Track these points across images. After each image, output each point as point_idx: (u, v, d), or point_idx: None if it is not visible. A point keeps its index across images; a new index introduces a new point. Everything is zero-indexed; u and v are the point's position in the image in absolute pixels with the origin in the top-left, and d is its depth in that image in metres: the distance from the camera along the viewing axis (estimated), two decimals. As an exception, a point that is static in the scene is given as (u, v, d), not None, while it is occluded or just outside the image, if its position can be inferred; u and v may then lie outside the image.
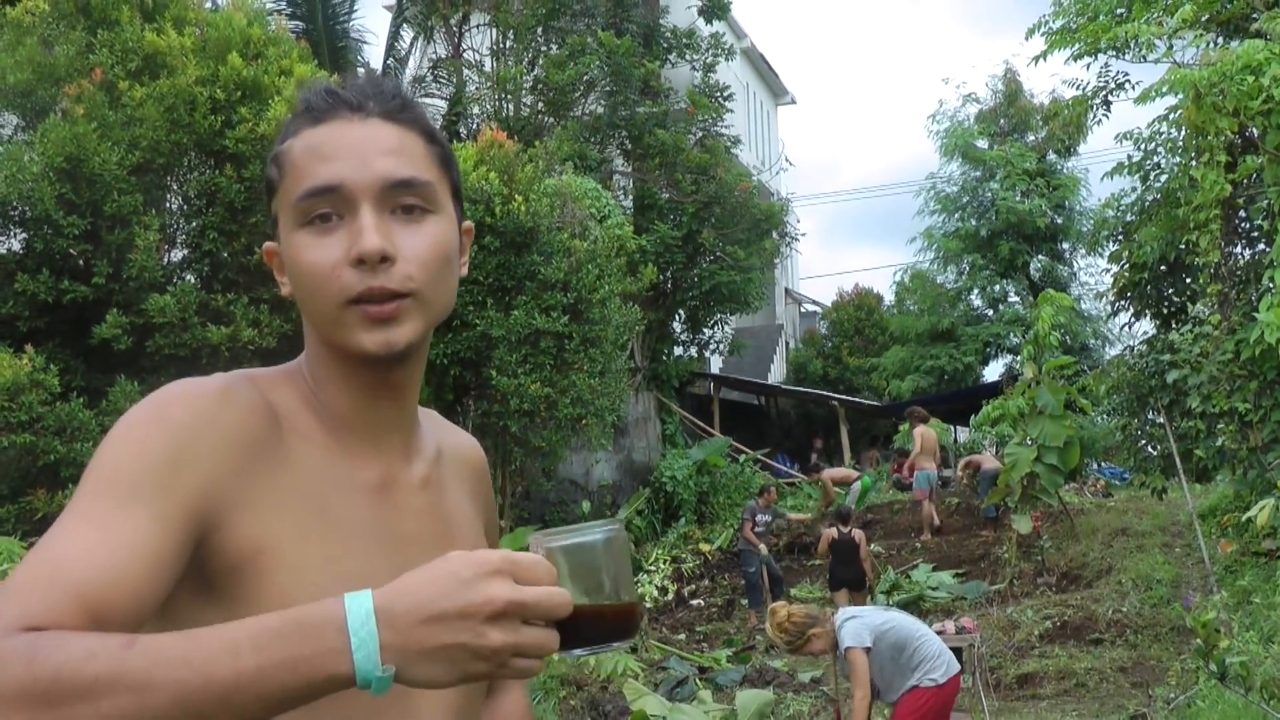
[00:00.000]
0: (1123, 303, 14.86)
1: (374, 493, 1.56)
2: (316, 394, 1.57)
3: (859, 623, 7.86)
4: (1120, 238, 14.58)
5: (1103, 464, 26.93)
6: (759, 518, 17.32)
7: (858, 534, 15.52)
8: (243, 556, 1.41)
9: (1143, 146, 14.03)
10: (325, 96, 1.58)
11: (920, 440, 20.11)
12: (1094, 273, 36.95)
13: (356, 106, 1.57)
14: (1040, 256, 34.64)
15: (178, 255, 13.15)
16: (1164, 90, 13.56)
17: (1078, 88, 15.19)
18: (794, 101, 43.49)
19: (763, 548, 16.98)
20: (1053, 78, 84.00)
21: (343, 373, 1.56)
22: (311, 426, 1.54)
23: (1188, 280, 14.37)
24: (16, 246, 12.81)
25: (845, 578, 15.28)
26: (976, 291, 35.20)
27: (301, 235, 1.54)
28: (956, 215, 34.91)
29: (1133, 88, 14.45)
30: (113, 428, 1.42)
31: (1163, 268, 13.81)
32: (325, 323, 1.54)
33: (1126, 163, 14.09)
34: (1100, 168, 50.83)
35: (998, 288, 35.11)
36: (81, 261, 12.22)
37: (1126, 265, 14.16)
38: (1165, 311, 14.74)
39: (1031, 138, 35.37)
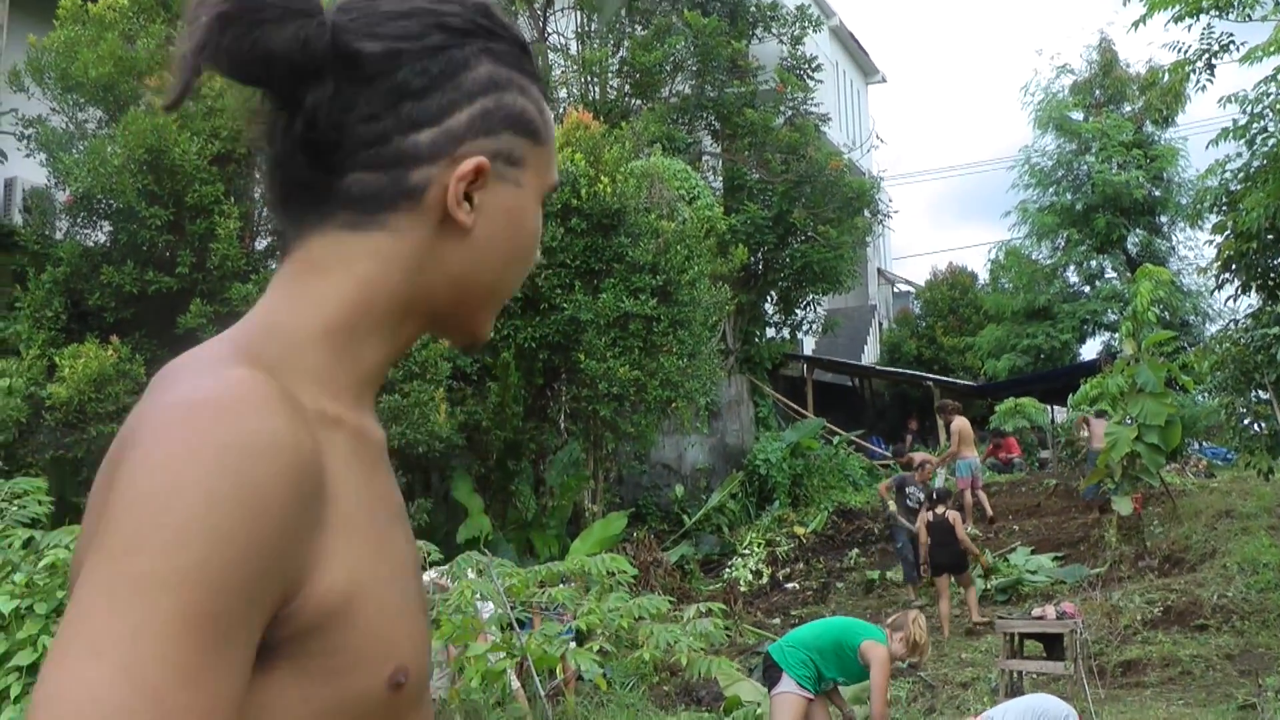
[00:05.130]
0: (1227, 275, 14.34)
1: (381, 459, 1.34)
2: (340, 354, 1.28)
3: None
4: (1224, 207, 14.07)
5: (1204, 444, 26.39)
6: (908, 489, 16.75)
7: (952, 515, 15.09)
8: (326, 613, 1.15)
9: (1249, 109, 13.53)
10: (532, 55, 1.43)
11: (957, 434, 19.67)
12: (1193, 246, 36.26)
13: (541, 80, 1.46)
14: (1138, 230, 33.97)
15: (261, 244, 13.16)
16: (1271, 50, 13.02)
17: (1178, 51, 14.66)
18: (884, 80, 42.97)
19: (906, 523, 16.41)
20: (1149, 45, 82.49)
21: (406, 331, 1.35)
22: (330, 406, 1.25)
23: (1298, 249, 13.88)
24: (102, 239, 12.90)
25: (942, 561, 14.93)
26: (1072, 268, 34.66)
27: (538, 207, 1.43)
28: (1051, 190, 34.35)
29: (1237, 49, 13.94)
30: (168, 479, 1.05)
31: (1269, 237, 13.32)
32: (491, 291, 1.39)
33: (1231, 128, 13.59)
34: (1199, 138, 49.89)
35: (1094, 263, 34.50)
36: (167, 253, 12.25)
37: (1231, 235, 13.66)
38: (1272, 283, 14.21)
39: (1128, 108, 34.75)
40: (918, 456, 21.09)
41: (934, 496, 15.68)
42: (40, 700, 0.99)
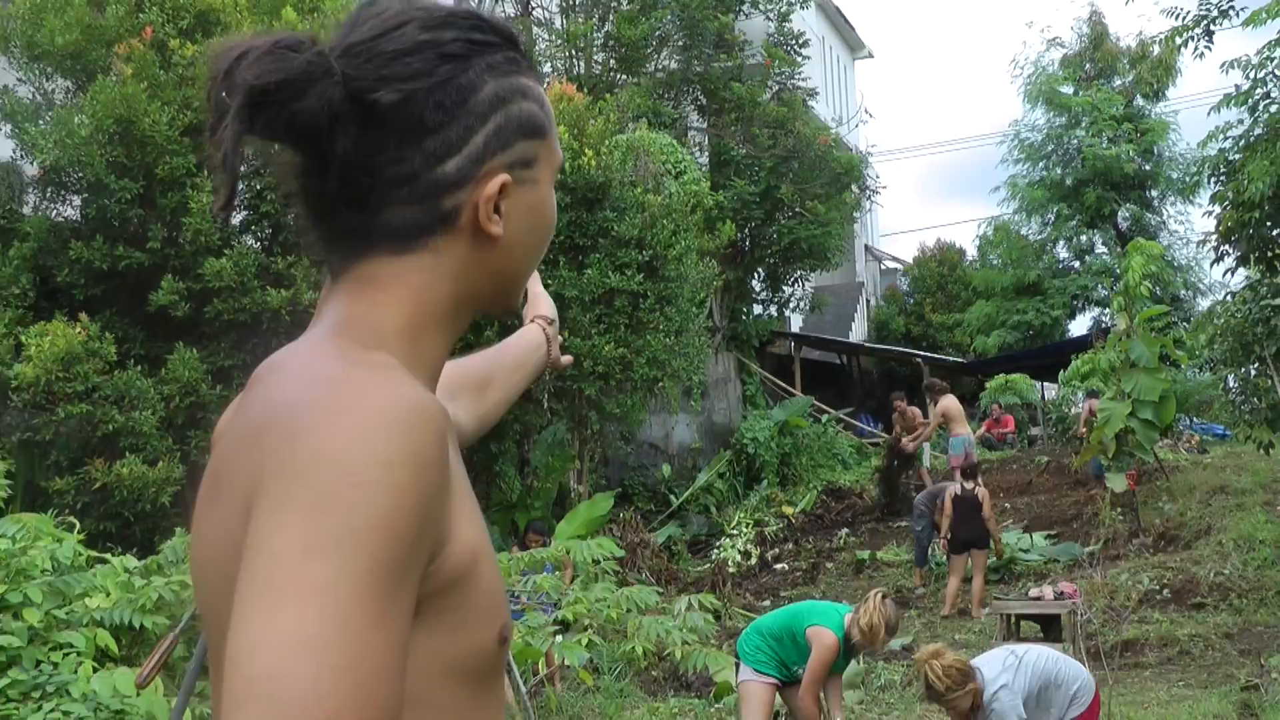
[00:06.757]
0: (1227, 247, 14.04)
1: (455, 439, 1.46)
2: (413, 350, 1.41)
3: (1010, 696, 7.26)
4: (1223, 177, 13.76)
5: (1195, 419, 26.26)
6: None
7: (981, 492, 14.78)
8: (462, 569, 1.30)
9: (1251, 75, 13.22)
10: (520, 45, 1.53)
11: (941, 413, 19.18)
12: (1183, 221, 36.27)
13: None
14: (1128, 205, 33.85)
15: (236, 218, 12.83)
16: (1276, 11, 12.74)
17: (1175, 16, 14.33)
18: (871, 55, 42.69)
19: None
20: (1140, 18, 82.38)
21: (459, 324, 1.50)
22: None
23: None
24: (72, 213, 12.59)
25: (967, 537, 14.58)
26: (1062, 243, 34.63)
27: (552, 189, 1.56)
28: (1041, 164, 34.25)
29: (1237, 14, 13.64)
30: (350, 442, 1.18)
31: (1265, 208, 13.01)
32: (523, 274, 1.56)
33: (1234, 93, 13.28)
34: (1189, 112, 49.91)
35: (1084, 238, 34.49)
36: (137, 227, 11.93)
37: (1231, 206, 13.35)
38: (1271, 254, 13.93)
39: (1118, 82, 34.60)
40: (910, 410, 20.70)
41: (965, 472, 15.39)
42: (258, 639, 1.09)
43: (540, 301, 2.40)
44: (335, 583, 1.10)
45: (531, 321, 2.35)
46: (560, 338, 2.41)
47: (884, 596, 8.14)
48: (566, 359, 2.42)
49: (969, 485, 14.81)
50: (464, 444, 1.93)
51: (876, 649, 8.47)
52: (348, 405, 1.20)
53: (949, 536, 14.92)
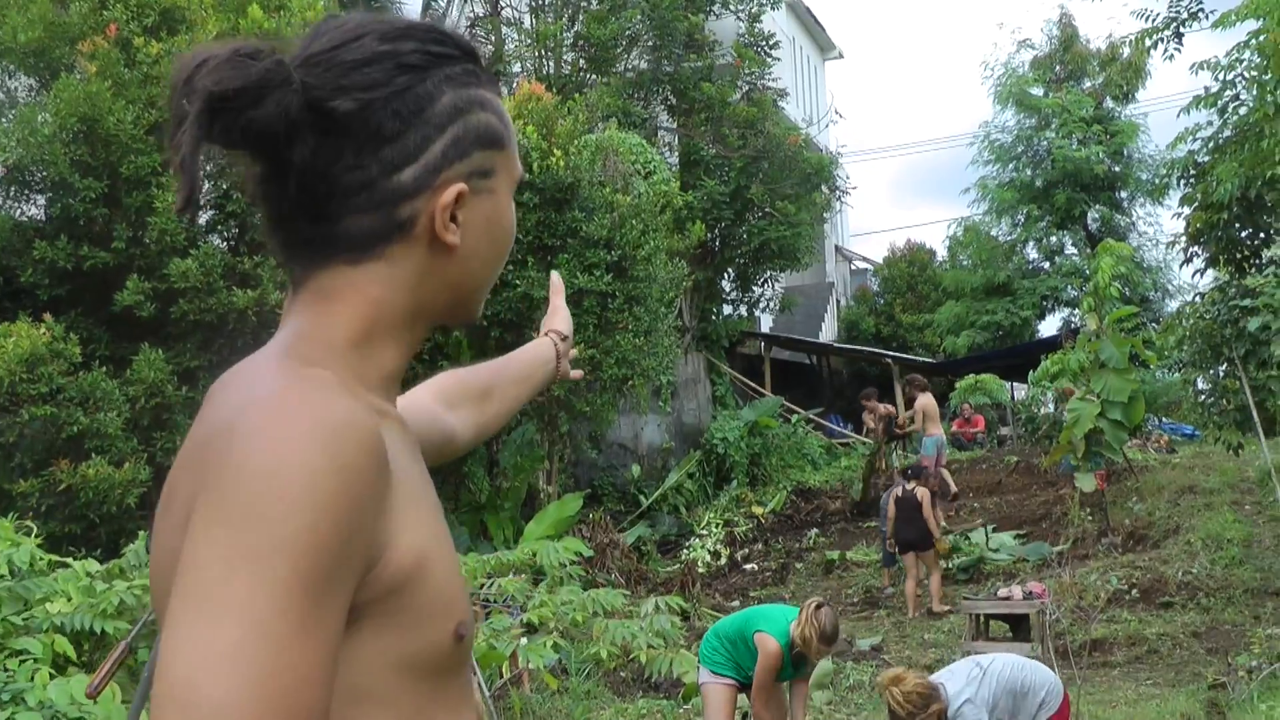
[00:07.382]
0: (1195, 249, 14.06)
1: (415, 446, 1.52)
2: (366, 360, 1.45)
3: (974, 711, 7.20)
4: (1192, 179, 13.78)
5: (1163, 420, 26.37)
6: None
7: (920, 492, 14.76)
8: (405, 574, 1.33)
9: (1221, 77, 13.25)
10: (480, 59, 1.55)
11: (921, 411, 19.14)
12: (1153, 222, 36.43)
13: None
14: (1098, 206, 33.94)
15: (202, 218, 12.74)
16: (1245, 14, 12.76)
17: (1145, 18, 14.36)
18: (841, 56, 42.72)
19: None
20: (1109, 20, 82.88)
21: (416, 334, 1.52)
22: (372, 399, 1.42)
23: (1266, 219, 13.57)
24: (36, 213, 12.48)
25: (908, 538, 14.59)
26: (1032, 244, 34.72)
27: (511, 201, 1.59)
28: (1011, 165, 34.35)
29: (1206, 16, 13.66)
30: (274, 458, 1.20)
31: (1233, 209, 13.01)
32: (481, 285, 1.57)
33: (1204, 95, 13.30)
34: (1158, 114, 50.09)
35: (1054, 239, 34.60)
36: (103, 226, 11.83)
37: (1199, 207, 13.38)
38: (1239, 256, 13.96)
39: (1088, 84, 34.70)
40: (881, 407, 20.71)
41: (908, 473, 15.39)
42: (181, 647, 1.12)
43: (558, 315, 2.49)
44: (257, 593, 1.14)
45: (546, 334, 2.44)
46: (574, 351, 2.50)
47: (819, 605, 8.02)
48: (576, 373, 2.52)
49: (909, 485, 14.82)
50: (462, 452, 2.15)
51: (814, 658, 8.38)
52: (277, 421, 1.23)
53: (893, 539, 14.94)
